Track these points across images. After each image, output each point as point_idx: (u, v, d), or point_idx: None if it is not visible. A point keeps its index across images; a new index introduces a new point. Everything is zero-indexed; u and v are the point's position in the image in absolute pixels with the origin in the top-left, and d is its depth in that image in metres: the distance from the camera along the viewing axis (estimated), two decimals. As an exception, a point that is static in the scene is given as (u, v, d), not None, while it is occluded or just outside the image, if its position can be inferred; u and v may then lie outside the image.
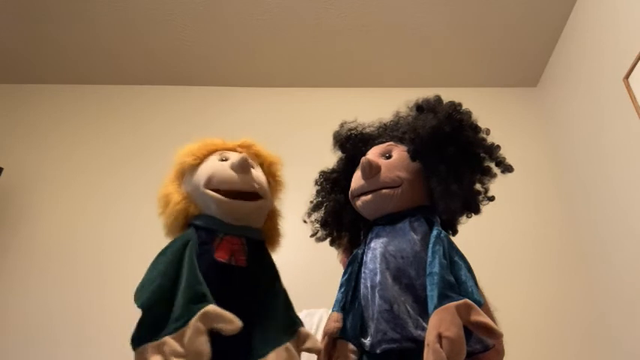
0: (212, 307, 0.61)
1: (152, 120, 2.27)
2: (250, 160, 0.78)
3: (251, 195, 0.74)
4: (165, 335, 0.60)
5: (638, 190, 1.57)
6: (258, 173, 0.78)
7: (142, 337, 0.62)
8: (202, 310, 0.61)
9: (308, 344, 0.71)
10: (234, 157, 0.76)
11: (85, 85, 2.34)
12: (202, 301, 0.63)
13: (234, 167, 0.73)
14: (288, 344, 0.68)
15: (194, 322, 0.60)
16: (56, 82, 2.32)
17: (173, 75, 2.32)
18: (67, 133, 2.22)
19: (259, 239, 0.77)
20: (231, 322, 0.61)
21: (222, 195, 0.73)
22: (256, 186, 0.74)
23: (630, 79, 1.60)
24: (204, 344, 0.59)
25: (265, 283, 0.73)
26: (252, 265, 0.72)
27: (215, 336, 0.60)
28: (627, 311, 1.63)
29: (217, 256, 0.70)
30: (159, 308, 0.63)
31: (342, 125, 0.91)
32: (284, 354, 0.66)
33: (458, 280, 0.65)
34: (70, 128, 2.23)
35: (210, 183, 0.74)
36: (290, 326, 0.71)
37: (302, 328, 0.72)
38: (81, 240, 1.94)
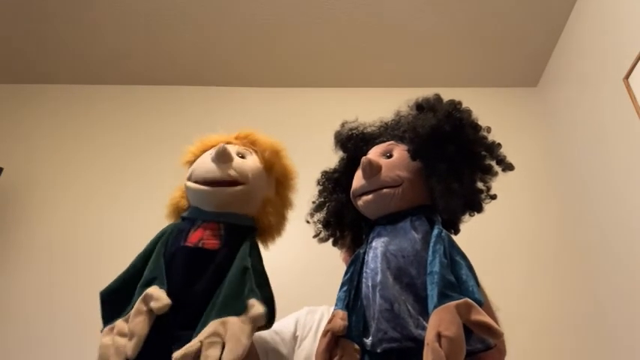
0: (151, 289, 0.66)
1: (152, 120, 2.27)
2: (239, 150, 0.80)
3: (230, 183, 0.76)
4: (120, 318, 0.66)
5: (638, 189, 1.57)
6: (242, 161, 0.78)
7: (104, 323, 0.68)
8: (144, 292, 0.65)
9: (250, 313, 0.65)
10: (220, 145, 0.78)
11: (86, 85, 2.34)
12: (151, 284, 0.67)
13: (212, 158, 0.76)
14: (230, 318, 0.63)
15: (137, 304, 0.65)
16: (56, 82, 2.32)
17: (174, 75, 2.32)
18: (67, 133, 2.22)
19: (242, 224, 0.78)
20: (158, 300, 0.64)
21: (201, 184, 0.76)
22: (233, 174, 0.76)
23: (630, 79, 1.60)
24: (138, 324, 0.62)
25: (233, 265, 0.72)
26: (224, 249, 0.73)
27: (178, 319, 0.64)
28: (626, 309, 1.63)
29: (187, 242, 0.72)
30: (115, 297, 0.69)
31: (343, 125, 0.91)
32: (217, 326, 0.62)
33: (458, 279, 0.65)
34: (71, 128, 2.23)
35: (191, 176, 0.78)
36: (240, 301, 0.66)
37: (251, 300, 0.66)
38: (81, 239, 1.94)
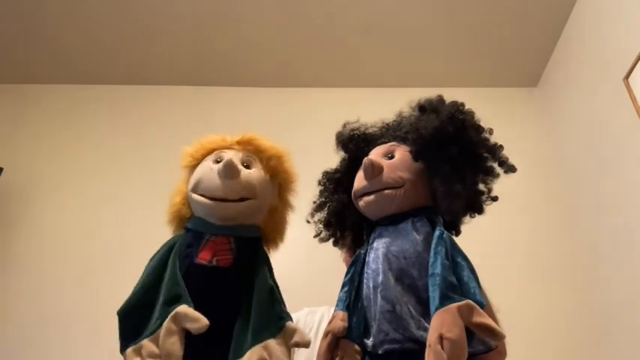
0: (182, 308, 0.64)
1: (152, 120, 2.27)
2: (244, 159, 0.78)
3: (239, 199, 0.75)
4: (145, 337, 0.63)
5: (638, 189, 1.57)
6: (249, 174, 0.77)
7: (124, 343, 0.65)
8: (174, 312, 0.63)
9: (296, 338, 0.68)
10: (227, 158, 0.76)
11: (86, 85, 2.34)
12: (177, 302, 0.65)
13: (219, 174, 0.74)
14: (270, 341, 0.65)
15: (166, 323, 0.62)
16: (56, 82, 2.32)
17: (173, 75, 2.32)
18: (67, 133, 2.21)
19: (251, 236, 0.77)
20: (197, 321, 0.62)
21: (208, 198, 0.74)
22: (241, 192, 0.74)
23: (630, 79, 1.60)
24: (174, 345, 0.61)
25: (251, 281, 0.72)
26: (237, 265, 0.72)
27: (197, 338, 0.62)
28: (626, 309, 1.63)
29: (199, 258, 0.71)
30: (135, 314, 0.66)
31: (344, 125, 0.91)
32: (261, 352, 0.63)
33: (460, 280, 0.65)
34: (70, 128, 2.23)
35: (196, 188, 0.75)
36: (273, 322, 0.68)
37: (289, 323, 0.69)
38: (81, 240, 1.94)
